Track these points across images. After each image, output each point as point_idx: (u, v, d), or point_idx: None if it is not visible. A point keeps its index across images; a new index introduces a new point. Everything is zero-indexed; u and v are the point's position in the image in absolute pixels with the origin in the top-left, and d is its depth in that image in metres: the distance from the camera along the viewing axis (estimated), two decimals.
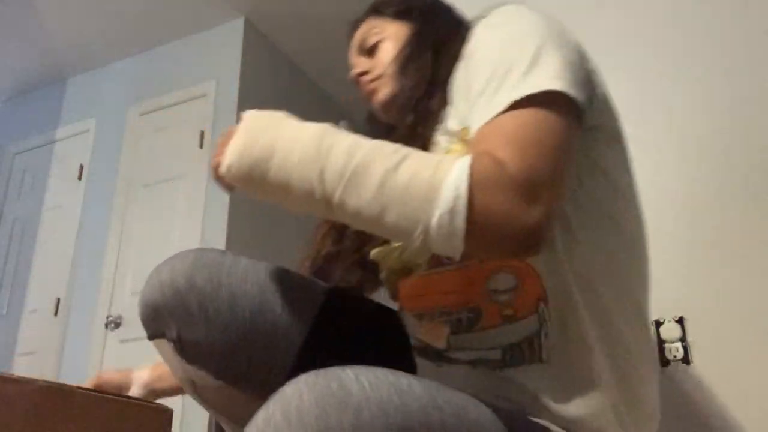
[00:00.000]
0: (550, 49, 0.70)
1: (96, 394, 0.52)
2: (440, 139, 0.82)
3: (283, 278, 0.86)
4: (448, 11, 1.01)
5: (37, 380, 0.50)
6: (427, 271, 0.80)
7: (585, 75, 0.74)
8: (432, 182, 0.61)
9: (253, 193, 0.72)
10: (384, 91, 0.95)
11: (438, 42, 0.91)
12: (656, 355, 0.80)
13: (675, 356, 1.26)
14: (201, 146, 3.44)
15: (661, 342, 1.28)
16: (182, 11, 3.62)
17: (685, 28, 1.48)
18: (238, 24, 3.65)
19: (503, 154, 0.63)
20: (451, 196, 0.60)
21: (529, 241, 0.63)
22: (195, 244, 3.20)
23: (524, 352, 0.72)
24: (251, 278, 0.83)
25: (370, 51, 0.98)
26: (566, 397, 0.70)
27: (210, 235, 3.19)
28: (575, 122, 0.69)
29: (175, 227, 3.32)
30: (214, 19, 3.68)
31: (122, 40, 3.84)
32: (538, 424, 0.70)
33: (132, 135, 3.72)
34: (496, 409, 0.63)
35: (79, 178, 3.83)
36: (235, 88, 3.48)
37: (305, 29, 3.68)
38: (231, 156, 0.70)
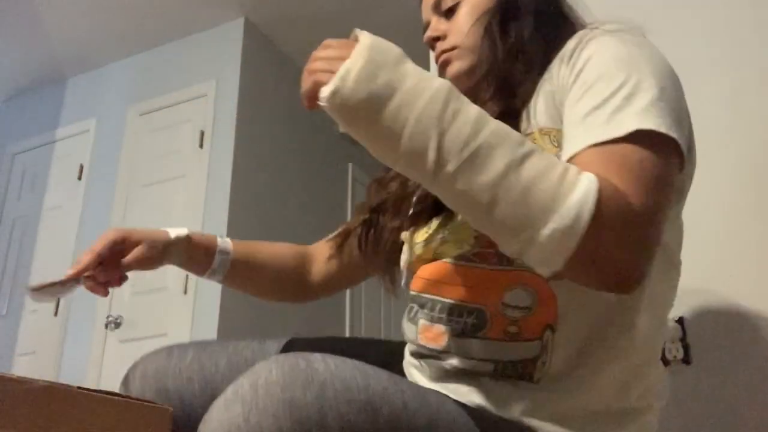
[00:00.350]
0: (672, 93, 0.69)
1: (96, 394, 0.52)
2: (523, 126, 0.76)
3: (231, 358, 0.89)
4: None
5: (37, 380, 0.50)
6: (454, 261, 0.77)
7: (690, 130, 0.74)
8: (557, 192, 0.59)
9: (349, 126, 0.64)
10: (458, 64, 0.87)
11: (525, 17, 0.84)
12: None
13: (675, 356, 1.26)
14: (201, 146, 3.45)
15: None
16: (182, 11, 3.62)
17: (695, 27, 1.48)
18: (238, 24, 3.65)
19: (627, 188, 0.61)
20: (572, 215, 0.58)
21: (629, 280, 0.62)
22: None
23: (517, 370, 0.71)
24: (197, 375, 0.87)
25: (448, 12, 0.89)
26: (549, 418, 0.69)
27: None
28: (677, 172, 0.69)
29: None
30: (214, 19, 3.68)
31: (122, 40, 3.84)
32: (511, 421, 0.70)
33: (132, 135, 3.72)
34: (464, 405, 0.65)
35: (79, 178, 3.83)
36: (235, 88, 3.48)
37: (305, 29, 3.68)
38: (343, 80, 0.60)
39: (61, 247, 3.67)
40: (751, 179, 1.30)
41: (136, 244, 0.90)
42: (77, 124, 4.00)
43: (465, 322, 0.73)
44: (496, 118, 0.65)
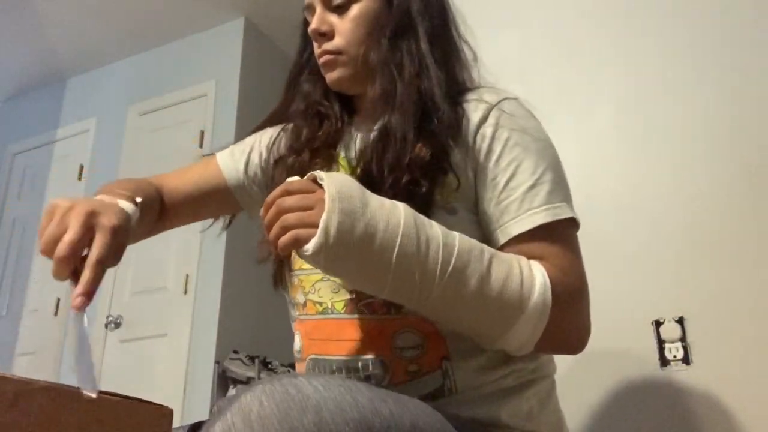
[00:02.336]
0: (563, 173, 0.83)
1: (98, 395, 0.52)
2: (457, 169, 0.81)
3: None
4: (445, 10, 0.93)
5: (38, 381, 0.50)
6: (346, 315, 0.79)
7: None
8: (522, 296, 0.70)
9: (331, 273, 0.70)
10: (342, 71, 0.88)
11: (420, 34, 0.85)
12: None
13: (675, 356, 1.26)
14: (201, 146, 3.44)
15: (661, 342, 1.28)
16: (182, 11, 3.62)
17: (684, 26, 1.48)
18: (238, 24, 3.65)
19: (566, 268, 0.75)
20: (538, 311, 0.70)
21: (584, 340, 0.77)
22: (195, 244, 3.20)
23: (429, 399, 0.74)
24: None
25: (337, 8, 0.87)
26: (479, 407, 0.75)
27: (210, 235, 3.19)
28: None
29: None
30: (214, 19, 3.68)
31: (122, 40, 3.84)
32: (476, 420, 0.73)
33: (132, 135, 3.72)
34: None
35: (79, 178, 3.83)
36: (235, 88, 3.48)
37: None
38: (326, 237, 0.64)
39: None
40: (750, 180, 1.30)
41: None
42: (77, 124, 4.00)
43: (370, 377, 0.75)
44: (427, 162, 0.76)
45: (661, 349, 1.28)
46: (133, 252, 3.82)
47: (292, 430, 0.50)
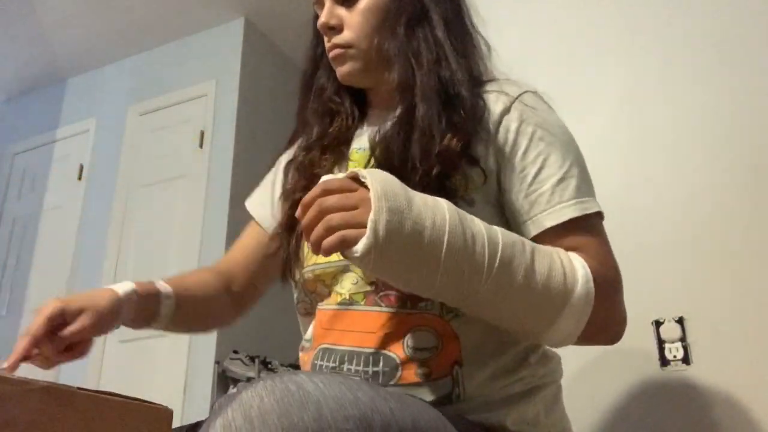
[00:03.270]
0: (587, 170, 0.85)
1: (96, 394, 0.52)
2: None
3: None
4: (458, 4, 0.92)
5: (37, 381, 0.50)
6: (362, 307, 0.79)
7: None
8: (566, 289, 0.70)
9: (380, 272, 0.66)
10: (352, 65, 0.87)
11: (435, 22, 0.85)
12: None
13: (675, 356, 1.26)
14: (201, 146, 3.44)
15: (661, 342, 1.28)
16: (182, 11, 3.62)
17: (686, 27, 1.48)
18: (238, 24, 3.65)
19: (603, 260, 0.77)
20: (582, 304, 0.70)
21: (621, 331, 0.79)
22: (195, 244, 3.20)
23: (436, 402, 0.73)
24: None
25: (347, 1, 0.87)
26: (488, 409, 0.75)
27: (210, 235, 3.19)
28: None
29: (175, 227, 3.32)
30: (214, 19, 3.68)
31: (122, 40, 3.84)
32: (481, 424, 0.73)
33: (132, 135, 3.72)
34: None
35: (79, 178, 3.83)
36: (235, 88, 3.48)
37: (305, 29, 3.67)
38: (375, 237, 0.62)
39: (61, 247, 3.67)
40: (750, 180, 1.30)
41: (78, 312, 0.77)
42: (77, 124, 3.99)
43: (379, 372, 0.74)
44: (458, 153, 0.76)
45: (661, 349, 1.28)
46: (133, 252, 3.83)
47: (292, 426, 0.49)
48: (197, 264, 3.17)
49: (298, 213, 0.67)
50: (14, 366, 0.72)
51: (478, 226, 0.68)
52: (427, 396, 0.73)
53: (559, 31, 1.64)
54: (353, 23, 0.86)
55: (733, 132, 1.35)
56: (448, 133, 0.77)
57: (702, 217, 1.32)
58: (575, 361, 1.28)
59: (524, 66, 1.66)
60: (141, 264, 3.34)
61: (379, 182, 0.65)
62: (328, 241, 0.63)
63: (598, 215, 0.80)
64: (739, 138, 1.34)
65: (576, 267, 0.72)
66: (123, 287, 0.83)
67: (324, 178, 0.68)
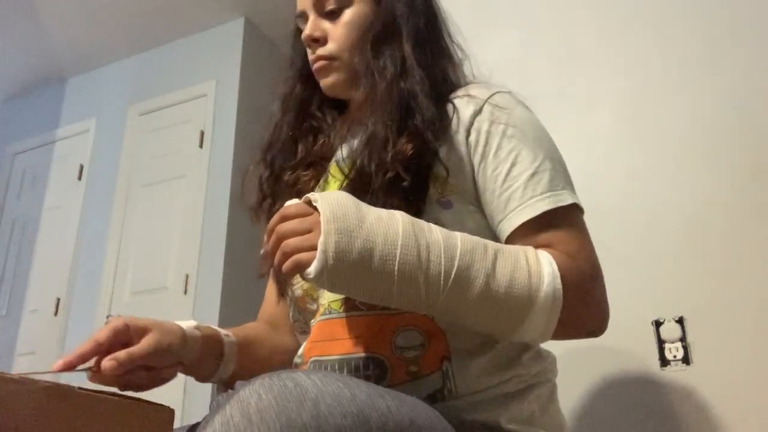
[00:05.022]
0: (561, 160, 0.83)
1: (97, 394, 0.52)
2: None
3: None
4: (432, 11, 0.94)
5: (38, 380, 0.50)
6: (345, 314, 0.79)
7: None
8: (530, 289, 0.70)
9: (336, 290, 0.69)
10: (336, 76, 0.90)
11: (406, 38, 0.87)
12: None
13: (675, 356, 1.26)
14: (201, 146, 3.44)
15: (661, 342, 1.28)
16: (182, 11, 3.62)
17: (684, 27, 1.48)
18: (238, 24, 3.65)
19: (575, 253, 0.75)
20: (549, 304, 0.70)
21: (603, 324, 0.77)
22: (195, 244, 3.20)
23: (428, 401, 0.74)
24: None
25: (329, 14, 0.90)
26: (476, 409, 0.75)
27: (210, 235, 3.19)
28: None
29: (175, 227, 3.32)
30: (214, 19, 3.68)
31: (122, 40, 3.84)
32: (476, 422, 0.73)
33: (132, 135, 3.72)
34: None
35: (79, 178, 3.83)
36: (235, 88, 3.48)
37: None
38: (325, 259, 0.64)
39: (61, 247, 3.67)
40: (751, 179, 1.30)
41: (144, 331, 0.74)
42: (77, 124, 4.00)
43: (371, 376, 0.75)
44: (409, 157, 0.76)
45: (661, 349, 1.28)
46: (133, 252, 3.83)
47: (290, 423, 0.50)
48: (197, 264, 3.17)
49: (264, 239, 0.70)
50: (66, 366, 0.69)
51: (435, 235, 0.69)
52: (420, 393, 0.74)
53: (560, 32, 1.64)
54: (337, 35, 0.89)
55: (733, 132, 1.35)
56: (400, 138, 0.79)
57: (702, 217, 1.32)
58: (575, 360, 1.28)
59: (525, 66, 1.67)
60: (141, 264, 3.34)
61: (330, 205, 0.67)
62: (285, 266, 0.66)
63: (574, 207, 0.79)
64: (740, 138, 1.34)
65: (542, 265, 0.71)
66: (185, 322, 0.81)
67: (287, 203, 0.71)
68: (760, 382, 1.18)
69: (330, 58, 0.89)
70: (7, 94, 4.35)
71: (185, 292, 3.15)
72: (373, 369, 0.75)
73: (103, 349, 0.70)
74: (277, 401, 0.51)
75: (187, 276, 3.17)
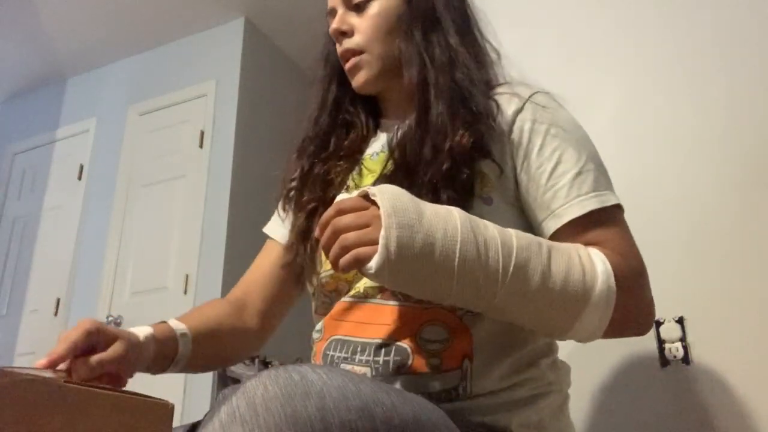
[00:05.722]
0: (604, 165, 0.85)
1: (86, 388, 0.51)
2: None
3: None
4: (465, 8, 0.95)
5: (20, 373, 0.49)
6: (378, 301, 0.79)
7: None
8: (585, 287, 0.70)
9: (395, 285, 0.69)
10: (367, 72, 0.90)
11: (447, 25, 0.88)
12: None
13: (675, 356, 1.26)
14: (201, 146, 3.44)
15: (661, 342, 1.28)
16: (182, 11, 3.62)
17: (679, 27, 1.48)
18: (238, 24, 3.65)
19: (624, 252, 0.76)
20: (603, 302, 0.70)
21: (649, 323, 0.78)
22: (195, 244, 3.20)
23: (441, 397, 0.74)
24: None
25: (357, 7, 0.91)
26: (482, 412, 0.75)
27: (210, 235, 3.19)
28: None
29: (175, 227, 3.32)
30: (214, 19, 3.68)
31: (122, 40, 3.84)
32: (485, 425, 0.73)
33: (132, 135, 3.72)
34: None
35: (79, 178, 3.83)
36: (235, 88, 3.48)
37: (305, 29, 3.67)
38: (387, 253, 0.64)
39: (61, 247, 3.67)
40: (750, 180, 1.30)
41: (113, 339, 0.75)
42: (77, 124, 3.99)
43: (390, 361, 0.75)
44: (469, 150, 0.76)
45: (661, 349, 1.27)
46: (133, 252, 3.83)
47: (296, 414, 0.50)
48: (197, 264, 3.17)
49: (316, 233, 0.70)
50: (50, 365, 0.72)
51: (491, 231, 0.69)
52: (435, 386, 0.74)
53: (561, 32, 1.64)
54: (364, 28, 0.89)
55: (733, 132, 1.35)
56: (459, 129, 0.79)
57: (702, 217, 1.32)
58: (574, 360, 1.28)
59: (525, 66, 1.66)
60: (141, 264, 3.34)
61: (389, 199, 0.66)
62: (344, 260, 0.66)
63: (618, 207, 0.81)
64: (740, 138, 1.34)
65: (596, 263, 0.72)
66: (142, 331, 0.81)
67: (338, 197, 0.70)
68: (760, 382, 1.18)
69: (358, 51, 0.89)
70: (7, 94, 4.35)
71: (185, 292, 3.14)
72: (394, 355, 0.75)
73: (78, 353, 0.73)
74: (283, 393, 0.51)
75: (187, 276, 3.16)
